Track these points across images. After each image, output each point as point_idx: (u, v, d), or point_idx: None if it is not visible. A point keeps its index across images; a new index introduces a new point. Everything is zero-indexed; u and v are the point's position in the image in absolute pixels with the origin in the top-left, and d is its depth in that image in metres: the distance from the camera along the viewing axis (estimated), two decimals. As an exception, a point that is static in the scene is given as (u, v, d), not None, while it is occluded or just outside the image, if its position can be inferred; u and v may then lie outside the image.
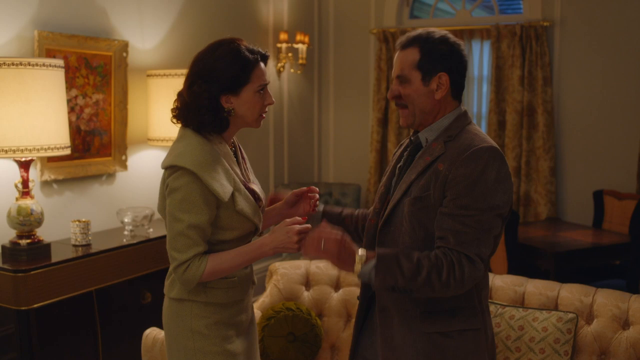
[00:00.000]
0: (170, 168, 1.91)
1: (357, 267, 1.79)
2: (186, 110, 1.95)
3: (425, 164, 1.87)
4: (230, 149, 2.04)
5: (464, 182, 1.78)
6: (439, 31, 1.93)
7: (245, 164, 2.13)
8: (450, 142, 1.87)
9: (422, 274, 1.74)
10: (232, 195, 1.92)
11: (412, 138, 2.01)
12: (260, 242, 1.95)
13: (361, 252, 1.80)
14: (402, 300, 1.90)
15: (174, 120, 2.01)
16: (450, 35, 1.93)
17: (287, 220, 1.94)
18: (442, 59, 1.89)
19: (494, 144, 1.86)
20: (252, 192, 2.04)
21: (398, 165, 2.02)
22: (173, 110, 2.01)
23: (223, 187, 1.89)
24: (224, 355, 1.98)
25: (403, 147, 2.07)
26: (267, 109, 2.02)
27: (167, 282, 2.06)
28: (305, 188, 2.16)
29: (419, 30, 1.94)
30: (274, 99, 2.02)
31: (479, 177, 1.78)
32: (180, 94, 1.99)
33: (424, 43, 1.90)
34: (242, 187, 1.97)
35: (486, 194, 1.78)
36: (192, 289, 1.96)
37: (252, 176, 2.13)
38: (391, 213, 1.92)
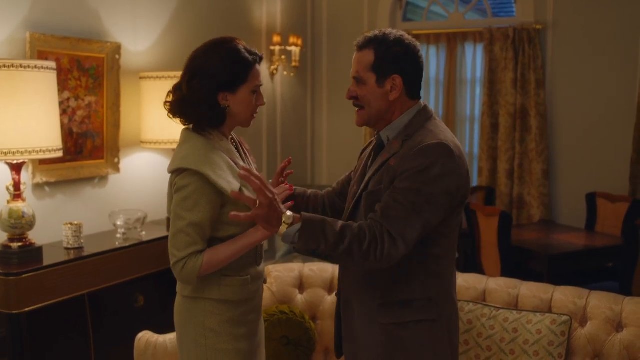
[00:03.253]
0: (177, 171, 1.95)
1: (283, 228, 1.78)
2: (184, 104, 1.99)
3: (382, 161, 1.93)
4: (232, 145, 2.09)
5: (407, 173, 1.83)
6: (395, 32, 1.97)
7: (249, 159, 2.18)
8: (407, 140, 1.91)
9: (345, 243, 1.76)
10: (240, 190, 1.95)
11: (375, 137, 2.06)
12: (250, 230, 1.98)
13: (289, 213, 1.79)
14: (361, 292, 1.96)
15: (170, 115, 2.04)
16: (407, 37, 1.97)
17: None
18: (396, 61, 1.93)
19: (447, 139, 1.88)
20: None
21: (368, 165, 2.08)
22: (167, 104, 2.04)
23: (230, 184, 1.93)
24: (234, 353, 2.02)
25: (371, 146, 2.11)
26: (258, 110, 2.08)
27: None
28: (276, 177, 2.21)
29: (376, 31, 1.98)
30: (265, 100, 2.09)
31: (422, 170, 1.81)
32: (177, 88, 2.03)
33: (379, 45, 1.94)
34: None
35: (425, 183, 1.81)
36: (205, 286, 1.99)
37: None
38: (354, 208, 1.99)
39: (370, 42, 1.95)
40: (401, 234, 1.78)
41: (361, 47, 1.97)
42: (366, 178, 1.97)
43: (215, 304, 2.01)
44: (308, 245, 1.77)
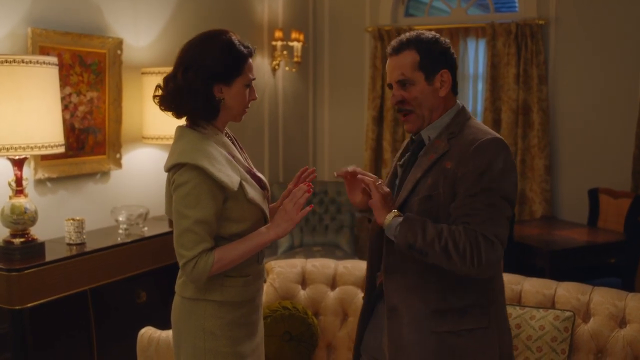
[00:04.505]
0: (174, 167, 1.92)
1: (388, 219, 1.86)
2: (179, 96, 1.94)
3: (430, 162, 1.88)
4: (227, 138, 2.06)
5: (472, 175, 1.81)
6: (427, 32, 1.97)
7: (245, 154, 2.15)
8: (453, 138, 1.89)
9: (442, 241, 1.78)
10: (241, 184, 1.93)
11: (413, 137, 2.02)
12: (261, 229, 1.99)
13: (397, 211, 1.89)
14: (411, 299, 1.90)
15: (162, 107, 2.00)
16: (439, 35, 1.98)
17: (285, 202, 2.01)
18: (441, 56, 1.93)
19: (497, 135, 1.88)
20: (259, 180, 2.06)
21: (399, 164, 2.03)
22: (156, 97, 2.00)
23: (230, 177, 1.90)
24: (233, 356, 1.99)
25: (403, 148, 2.08)
26: (249, 105, 2.06)
27: (179, 281, 2.05)
28: (296, 180, 2.16)
29: (408, 34, 1.97)
30: (257, 95, 2.07)
31: (486, 168, 1.81)
32: (169, 80, 1.97)
33: (420, 44, 1.93)
34: (247, 176, 2.00)
35: (494, 181, 1.81)
36: (207, 287, 1.96)
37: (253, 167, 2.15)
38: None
39: (410, 43, 1.93)
40: (495, 234, 1.79)
41: (399, 50, 1.94)
42: (412, 180, 1.92)
43: (217, 306, 1.98)
44: (407, 238, 1.81)
